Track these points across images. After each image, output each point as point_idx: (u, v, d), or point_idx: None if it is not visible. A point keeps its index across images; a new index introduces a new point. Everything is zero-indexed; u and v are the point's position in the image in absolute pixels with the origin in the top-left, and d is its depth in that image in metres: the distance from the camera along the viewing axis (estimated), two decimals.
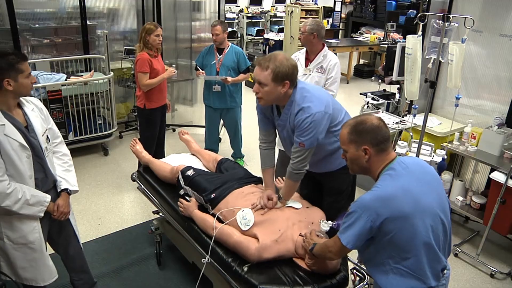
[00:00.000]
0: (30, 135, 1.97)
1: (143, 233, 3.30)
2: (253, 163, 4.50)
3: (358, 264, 2.27)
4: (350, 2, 10.89)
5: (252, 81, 2.35)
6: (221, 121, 4.45)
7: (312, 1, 10.30)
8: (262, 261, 2.02)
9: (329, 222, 2.07)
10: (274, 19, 10.66)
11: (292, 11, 7.93)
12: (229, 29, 5.67)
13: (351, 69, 8.76)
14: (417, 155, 3.19)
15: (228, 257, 2.10)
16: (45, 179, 2.07)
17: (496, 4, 3.48)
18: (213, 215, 2.31)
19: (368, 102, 4.45)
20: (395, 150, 3.41)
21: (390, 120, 3.87)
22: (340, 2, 10.26)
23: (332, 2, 10.20)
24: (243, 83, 4.38)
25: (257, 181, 2.58)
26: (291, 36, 7.95)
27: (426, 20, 3.11)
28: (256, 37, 9.96)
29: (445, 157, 3.42)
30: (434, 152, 3.43)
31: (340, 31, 10.58)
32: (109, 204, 3.74)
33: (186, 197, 2.56)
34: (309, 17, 7.80)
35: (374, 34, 9.02)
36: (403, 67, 3.18)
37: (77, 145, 4.39)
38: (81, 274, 2.40)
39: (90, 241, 3.20)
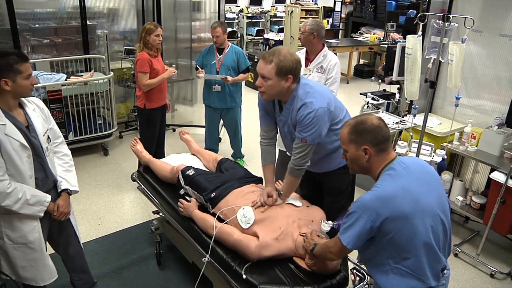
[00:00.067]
0: (30, 135, 1.97)
1: (143, 233, 3.30)
2: (253, 163, 4.50)
3: (358, 264, 2.27)
4: (350, 2, 10.89)
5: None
6: (221, 121, 4.45)
7: (312, 1, 10.30)
8: (262, 259, 2.01)
9: (330, 222, 2.07)
10: (274, 19, 10.66)
11: (292, 11, 7.93)
12: (229, 29, 5.67)
13: (351, 69, 8.76)
14: (417, 155, 3.19)
15: (228, 257, 2.10)
16: (45, 179, 2.07)
17: (496, 4, 3.48)
18: (213, 214, 2.31)
19: (368, 102, 4.45)
20: (395, 150, 3.41)
21: (390, 120, 3.87)
22: (340, 2, 10.26)
23: (332, 2, 10.20)
24: (243, 83, 4.38)
25: (257, 180, 2.58)
26: (291, 36, 7.95)
27: (426, 20, 3.11)
28: (256, 37, 9.96)
29: (445, 157, 3.42)
30: (434, 152, 3.43)
31: (340, 31, 10.58)
32: (109, 204, 3.74)
33: (186, 197, 2.56)
34: (309, 17, 7.81)
35: (374, 34, 9.02)
36: (403, 67, 3.18)
37: (77, 145, 4.39)
38: (81, 274, 2.40)
39: (90, 241, 3.20)
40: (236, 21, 10.02)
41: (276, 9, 10.68)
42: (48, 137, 2.08)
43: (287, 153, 2.52)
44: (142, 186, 2.98)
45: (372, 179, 1.70)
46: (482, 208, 3.30)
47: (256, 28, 10.01)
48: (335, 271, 1.99)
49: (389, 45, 4.85)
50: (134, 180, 3.10)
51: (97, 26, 5.06)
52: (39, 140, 2.00)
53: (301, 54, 3.39)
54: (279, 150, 3.24)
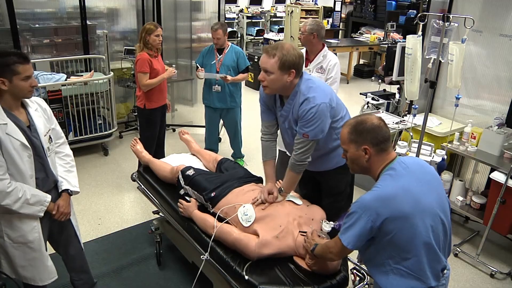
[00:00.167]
0: (32, 135, 1.97)
1: (143, 233, 3.30)
2: (253, 163, 4.50)
3: (358, 264, 2.27)
4: (350, 2, 10.89)
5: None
6: (221, 121, 4.45)
7: (312, 1, 10.30)
8: (262, 258, 2.01)
9: (331, 222, 2.07)
10: (274, 19, 10.66)
11: (292, 11, 7.94)
12: (229, 29, 5.67)
13: (351, 69, 8.76)
14: (417, 155, 3.19)
15: (228, 256, 2.09)
16: (46, 179, 2.07)
17: (496, 4, 3.49)
18: (213, 214, 2.31)
19: (368, 102, 4.45)
20: (395, 150, 3.41)
21: (390, 120, 3.87)
22: (340, 2, 10.26)
23: (332, 2, 10.20)
24: (243, 83, 4.38)
25: (257, 180, 2.58)
26: (291, 36, 7.96)
27: (426, 20, 3.11)
28: (256, 37, 9.96)
29: (445, 157, 3.42)
30: (434, 152, 3.43)
31: (340, 31, 10.58)
32: (109, 204, 3.74)
33: (186, 197, 2.56)
34: (309, 17, 7.81)
35: (374, 34, 9.02)
36: (403, 67, 3.18)
37: (77, 145, 4.39)
38: (81, 274, 2.40)
39: (90, 241, 3.20)
40: (236, 21, 10.03)
41: (276, 9, 10.68)
42: (50, 137, 2.08)
43: (287, 153, 2.52)
44: (142, 186, 2.98)
45: (372, 179, 1.70)
46: (482, 208, 3.30)
47: (256, 28, 10.01)
48: (335, 271, 1.99)
49: (389, 45, 4.85)
50: (134, 180, 3.10)
51: (97, 26, 5.06)
52: (40, 140, 2.00)
53: None
54: (279, 150, 3.24)
